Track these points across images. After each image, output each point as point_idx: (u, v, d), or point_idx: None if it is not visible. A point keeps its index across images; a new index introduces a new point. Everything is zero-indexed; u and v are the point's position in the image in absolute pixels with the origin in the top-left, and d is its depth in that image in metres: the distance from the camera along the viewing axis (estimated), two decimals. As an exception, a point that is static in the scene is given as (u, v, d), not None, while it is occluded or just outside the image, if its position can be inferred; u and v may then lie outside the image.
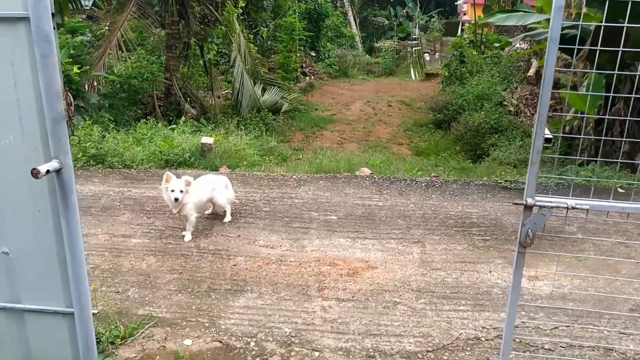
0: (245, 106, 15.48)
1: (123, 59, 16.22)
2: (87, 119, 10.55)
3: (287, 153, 11.21)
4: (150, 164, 8.19)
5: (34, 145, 3.05)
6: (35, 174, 2.88)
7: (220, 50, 19.36)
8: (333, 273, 5.25)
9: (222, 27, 15.92)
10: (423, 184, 7.44)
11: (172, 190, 5.65)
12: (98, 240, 6.01)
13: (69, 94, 3.12)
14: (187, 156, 8.46)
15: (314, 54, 26.27)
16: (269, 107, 16.04)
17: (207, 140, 8.74)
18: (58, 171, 2.99)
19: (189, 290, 5.03)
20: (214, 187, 6.27)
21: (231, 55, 16.46)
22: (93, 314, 3.34)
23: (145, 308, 4.76)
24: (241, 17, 18.17)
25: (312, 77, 23.69)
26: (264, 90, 16.63)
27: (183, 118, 11.94)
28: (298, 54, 22.17)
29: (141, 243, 5.94)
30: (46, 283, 3.35)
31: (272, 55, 22.19)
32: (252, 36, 19.66)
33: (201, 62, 17.35)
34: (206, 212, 6.58)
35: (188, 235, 6.01)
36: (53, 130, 2.96)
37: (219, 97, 17.18)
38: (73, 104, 3.13)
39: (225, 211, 6.46)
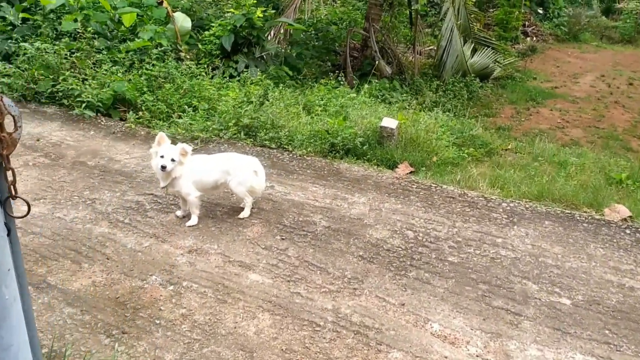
0: (449, 68, 13.43)
1: (328, 2, 14.77)
2: (260, 73, 8.95)
3: (494, 142, 8.48)
4: (309, 149, 6.24)
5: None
6: None
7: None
8: None
9: (437, -28, 13.56)
10: None
11: (162, 156, 4.45)
12: (207, 264, 4.25)
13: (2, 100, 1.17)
14: (358, 142, 6.34)
15: (540, 11, 22.10)
16: (477, 71, 13.79)
17: (389, 123, 6.51)
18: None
19: (303, 405, 3.01)
20: (228, 169, 4.74)
21: (442, 7, 14.16)
22: None
23: None
24: (460, -40, 15.35)
25: (535, 38, 19.90)
26: (474, 50, 14.31)
27: (366, 85, 9.82)
28: (522, 10, 18.61)
29: (260, 283, 4.04)
30: None
31: (491, 10, 18.93)
32: (470, -16, 16.75)
33: (407, 11, 15.07)
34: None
35: (194, 219, 4.77)
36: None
37: (420, 54, 14.91)
38: (20, 121, 1.16)
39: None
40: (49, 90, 7.28)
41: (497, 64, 14.36)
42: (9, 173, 1.21)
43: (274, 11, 11.14)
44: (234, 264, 4.27)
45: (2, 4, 8.66)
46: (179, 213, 4.91)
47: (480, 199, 5.23)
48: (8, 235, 1.17)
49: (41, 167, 5.74)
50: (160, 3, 10.03)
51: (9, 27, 8.40)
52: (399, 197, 5.24)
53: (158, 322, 3.67)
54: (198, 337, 3.54)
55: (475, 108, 12.23)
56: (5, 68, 7.56)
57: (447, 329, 3.59)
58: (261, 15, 9.97)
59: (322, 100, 8.31)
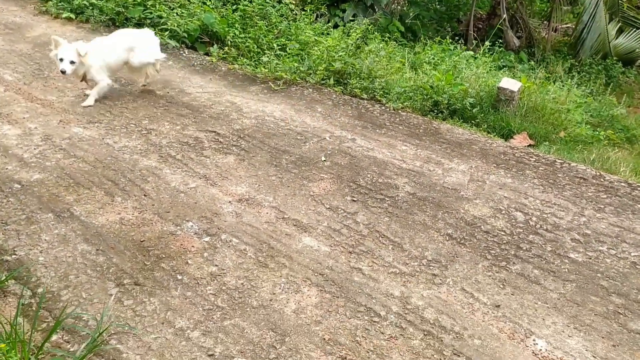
0: (587, 47, 11.95)
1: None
2: (371, 23, 7.95)
3: (637, 129, 6.96)
4: (406, 102, 5.22)
5: None
6: None
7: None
8: None
9: None
10: None
11: (61, 60, 4.46)
12: (256, 218, 3.44)
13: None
14: (468, 102, 5.22)
15: None
16: (621, 55, 12.15)
17: (509, 84, 5.32)
18: None
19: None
20: (132, 46, 4.91)
21: (589, -22, 12.51)
22: None
23: None
24: None
25: (696, 25, 17.12)
26: (620, 31, 12.59)
27: (488, 48, 8.50)
28: (685, -9, 16.04)
29: (314, 250, 3.18)
30: None
31: (646, -13, 16.45)
32: (627, -46, 14.62)
33: (546, -19, 13.44)
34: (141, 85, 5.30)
35: (89, 100, 4.83)
36: None
37: (555, 31, 13.26)
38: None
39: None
40: (137, 16, 6.79)
41: (646, 49, 12.47)
42: None
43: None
44: (287, 222, 3.43)
45: None
46: (87, 92, 4.96)
47: (623, 184, 3.97)
48: None
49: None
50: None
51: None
52: (510, 169, 4.11)
53: (180, 277, 2.93)
54: (222, 304, 2.76)
55: (614, 95, 10.65)
56: (100, -10, 7.17)
57: (557, 350, 2.53)
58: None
59: (433, 59, 7.20)
